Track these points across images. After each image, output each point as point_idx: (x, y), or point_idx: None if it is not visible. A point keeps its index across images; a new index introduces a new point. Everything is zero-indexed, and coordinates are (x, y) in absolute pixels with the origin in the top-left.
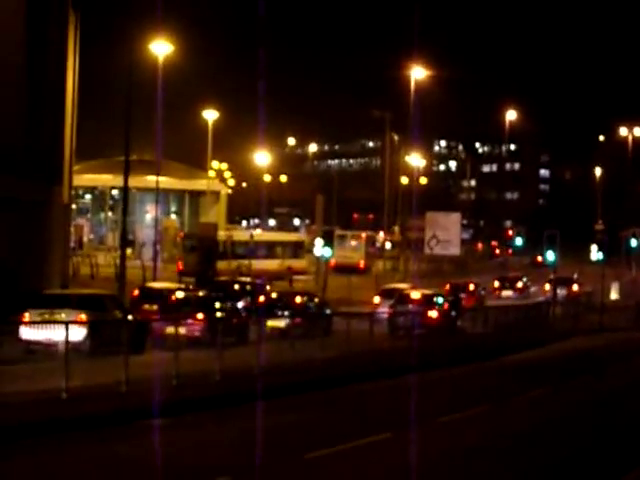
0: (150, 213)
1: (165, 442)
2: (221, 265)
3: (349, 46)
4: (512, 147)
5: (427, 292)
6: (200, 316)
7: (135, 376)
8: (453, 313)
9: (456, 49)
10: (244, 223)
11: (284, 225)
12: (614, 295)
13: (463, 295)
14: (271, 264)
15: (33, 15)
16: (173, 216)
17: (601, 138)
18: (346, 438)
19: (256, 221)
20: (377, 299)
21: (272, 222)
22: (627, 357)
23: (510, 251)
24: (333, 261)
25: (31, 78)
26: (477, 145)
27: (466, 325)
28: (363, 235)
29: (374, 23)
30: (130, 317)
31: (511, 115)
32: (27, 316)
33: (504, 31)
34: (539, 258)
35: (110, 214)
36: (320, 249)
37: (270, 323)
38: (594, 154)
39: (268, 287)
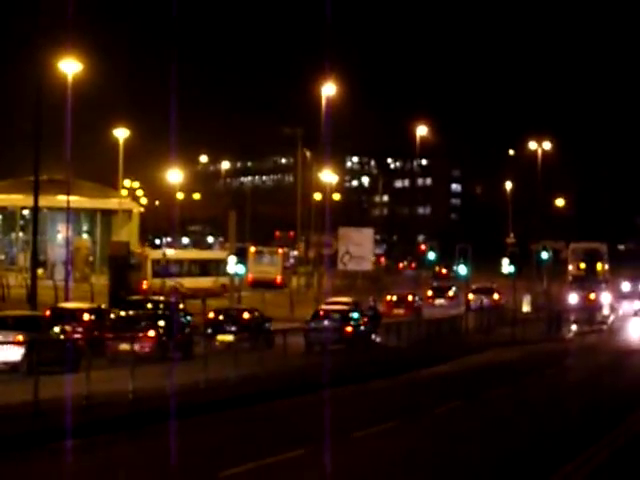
0: (61, 233)
1: (67, 464)
2: (156, 283)
3: (260, 62)
4: (424, 162)
5: (343, 307)
6: (152, 333)
7: (55, 396)
8: (367, 327)
9: (367, 64)
10: (157, 241)
11: (198, 243)
12: (526, 307)
13: (402, 306)
14: (205, 282)
15: None
16: (85, 235)
17: (511, 152)
18: (259, 455)
19: (169, 239)
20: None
21: (186, 240)
22: (540, 369)
23: (413, 265)
24: (250, 277)
25: None
26: (389, 161)
27: (384, 339)
28: (280, 251)
29: (285, 39)
30: (62, 336)
31: (422, 130)
32: None
33: (414, 46)
34: (443, 270)
35: (21, 234)
36: (233, 266)
37: (220, 337)
38: (504, 168)
39: (182, 305)
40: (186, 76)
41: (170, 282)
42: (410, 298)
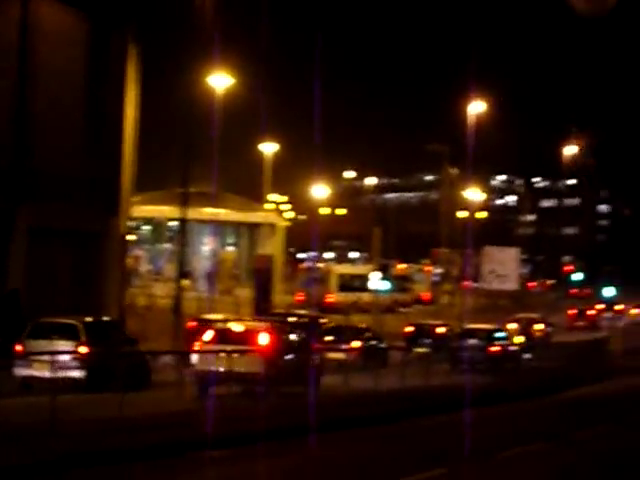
0: (207, 245)
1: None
2: (339, 297)
3: (407, 79)
4: (571, 182)
5: (489, 327)
6: (356, 344)
7: None
8: (516, 348)
9: (515, 81)
10: (301, 255)
11: (341, 258)
12: None
13: (583, 319)
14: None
15: (94, 48)
16: (230, 248)
17: None
18: (401, 473)
19: (313, 254)
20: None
21: (329, 255)
22: None
23: (548, 284)
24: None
25: (90, 110)
26: (536, 180)
27: (532, 359)
28: (428, 269)
29: (432, 55)
30: None
31: (571, 149)
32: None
33: (565, 65)
34: (574, 290)
35: (168, 245)
36: (377, 282)
37: (416, 350)
38: None
39: (324, 320)
40: (334, 92)
41: (352, 297)
42: (590, 312)
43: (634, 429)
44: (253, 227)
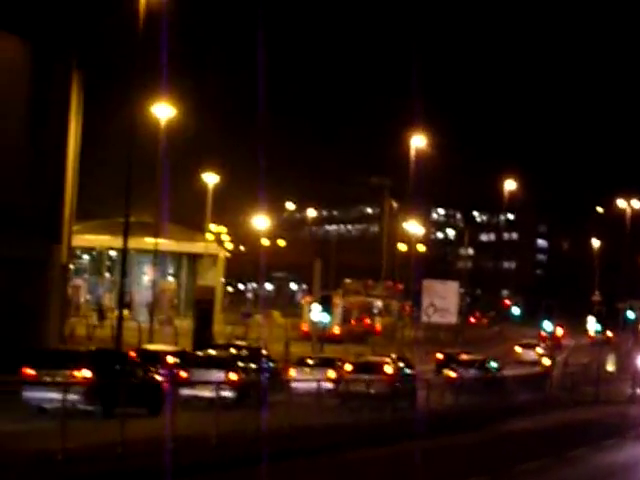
0: (147, 275)
1: None
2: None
3: (349, 112)
4: (510, 217)
5: (481, 357)
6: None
7: None
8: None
9: (456, 118)
10: (241, 286)
11: (281, 290)
12: (610, 367)
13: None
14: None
15: (37, 75)
16: (170, 278)
17: (599, 209)
18: None
19: (253, 285)
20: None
21: (269, 286)
22: (621, 430)
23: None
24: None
25: (33, 137)
26: (475, 214)
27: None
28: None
29: (375, 89)
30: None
31: (510, 185)
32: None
33: (504, 101)
34: (472, 319)
35: (107, 275)
36: (318, 314)
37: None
38: (592, 225)
39: (265, 352)
40: (276, 123)
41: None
42: (559, 333)
43: (570, 464)
44: (194, 257)
